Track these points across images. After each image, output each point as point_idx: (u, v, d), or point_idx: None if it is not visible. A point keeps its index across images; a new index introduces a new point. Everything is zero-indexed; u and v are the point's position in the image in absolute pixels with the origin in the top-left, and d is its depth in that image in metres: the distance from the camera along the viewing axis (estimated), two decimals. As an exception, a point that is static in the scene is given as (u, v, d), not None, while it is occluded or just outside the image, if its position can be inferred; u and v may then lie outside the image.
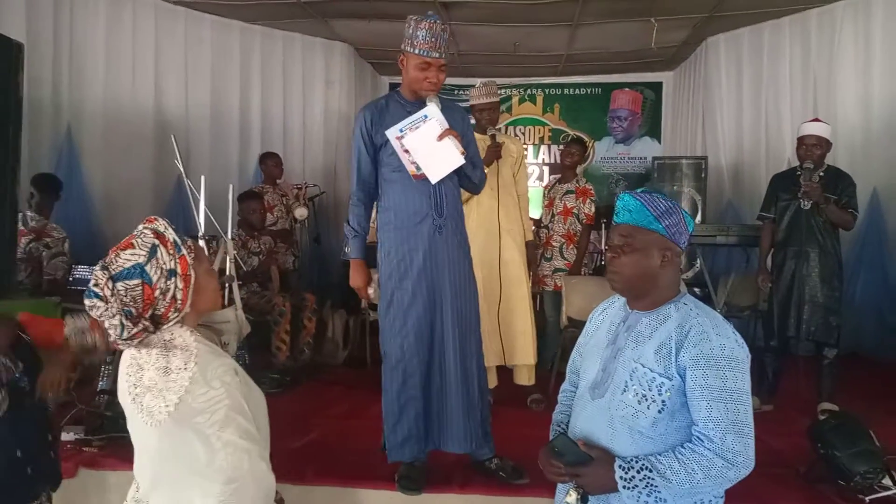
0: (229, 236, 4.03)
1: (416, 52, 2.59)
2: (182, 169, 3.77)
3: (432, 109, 2.64)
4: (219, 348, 1.54)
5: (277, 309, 4.57)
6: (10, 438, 1.94)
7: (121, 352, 1.53)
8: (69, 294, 4.34)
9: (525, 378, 3.94)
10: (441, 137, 2.62)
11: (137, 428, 1.47)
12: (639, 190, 1.68)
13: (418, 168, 2.65)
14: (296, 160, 7.09)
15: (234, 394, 1.43)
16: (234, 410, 1.42)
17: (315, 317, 4.90)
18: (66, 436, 2.97)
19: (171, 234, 1.49)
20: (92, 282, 1.41)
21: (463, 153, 2.66)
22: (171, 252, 1.47)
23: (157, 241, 1.46)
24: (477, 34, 6.77)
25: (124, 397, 1.48)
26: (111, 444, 2.96)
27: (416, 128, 2.62)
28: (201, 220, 3.83)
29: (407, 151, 2.64)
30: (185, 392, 1.39)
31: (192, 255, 1.51)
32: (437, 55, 2.60)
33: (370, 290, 2.71)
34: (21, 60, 3.24)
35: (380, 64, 8.31)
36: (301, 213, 5.89)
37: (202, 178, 3.87)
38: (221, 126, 6.69)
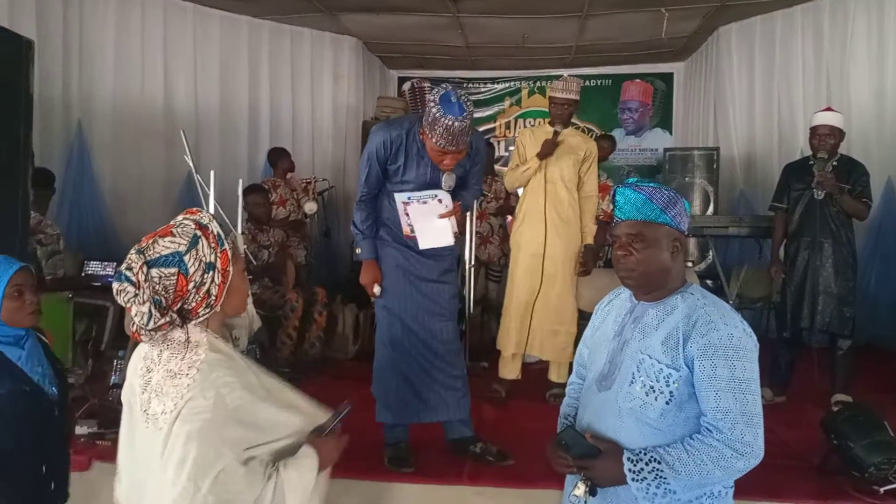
0: (239, 231, 4.04)
1: (434, 141, 2.64)
2: (192, 164, 3.77)
3: (444, 195, 2.82)
4: (236, 357, 1.46)
5: (289, 304, 4.57)
6: (37, 454, 1.88)
7: (133, 346, 1.48)
8: (81, 289, 4.38)
9: (555, 375, 3.97)
10: (442, 216, 2.82)
11: (139, 436, 1.39)
12: (632, 181, 1.63)
13: (413, 231, 2.85)
14: (305, 155, 7.10)
15: (220, 410, 1.34)
16: (211, 426, 1.32)
17: (325, 311, 4.90)
18: (79, 429, 3.00)
19: (214, 227, 1.45)
20: (124, 265, 1.36)
21: (456, 234, 2.91)
22: (213, 245, 1.42)
23: (198, 233, 1.42)
24: (485, 26, 6.74)
25: (132, 397, 1.41)
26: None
27: (424, 202, 2.81)
28: (211, 214, 3.84)
29: (408, 215, 2.83)
30: (182, 399, 1.32)
31: (232, 252, 1.46)
32: (454, 148, 2.65)
33: (376, 289, 2.92)
34: (31, 57, 3.26)
35: (388, 58, 8.30)
36: (311, 207, 5.88)
37: (212, 173, 3.87)
38: (230, 121, 6.71)
